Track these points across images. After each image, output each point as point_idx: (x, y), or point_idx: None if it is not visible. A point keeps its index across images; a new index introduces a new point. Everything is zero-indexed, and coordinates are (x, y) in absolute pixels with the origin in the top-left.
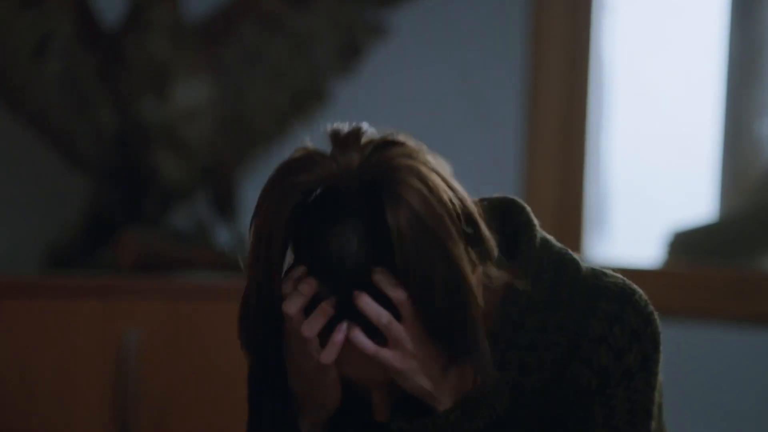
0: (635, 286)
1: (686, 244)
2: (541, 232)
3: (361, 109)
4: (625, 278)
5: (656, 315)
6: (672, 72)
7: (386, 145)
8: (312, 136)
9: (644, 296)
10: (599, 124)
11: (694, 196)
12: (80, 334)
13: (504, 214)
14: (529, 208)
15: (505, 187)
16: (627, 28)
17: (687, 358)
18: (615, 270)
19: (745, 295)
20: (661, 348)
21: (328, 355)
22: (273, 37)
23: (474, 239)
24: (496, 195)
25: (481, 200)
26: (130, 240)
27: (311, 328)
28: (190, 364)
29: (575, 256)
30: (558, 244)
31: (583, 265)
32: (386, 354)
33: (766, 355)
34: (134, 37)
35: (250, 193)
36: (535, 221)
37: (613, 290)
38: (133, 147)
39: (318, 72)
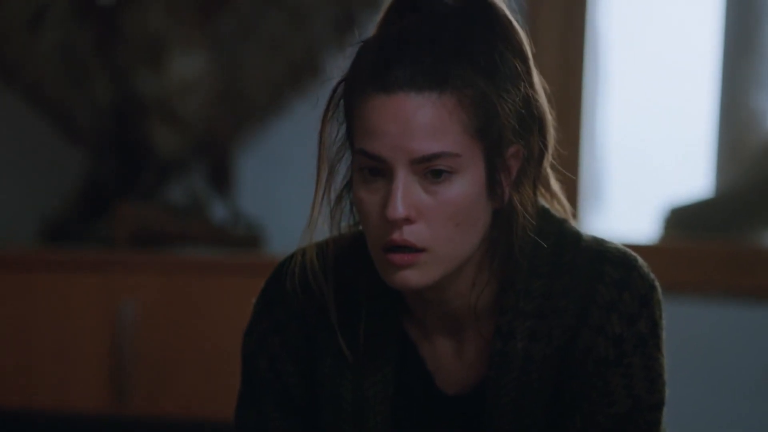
0: (635, 254)
1: (683, 219)
2: (540, 202)
3: None
4: (623, 246)
5: (657, 281)
6: (668, 45)
7: None
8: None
9: (644, 263)
10: (595, 99)
11: (690, 171)
12: (77, 307)
13: None
14: None
15: None
16: (623, 1)
17: (684, 333)
18: None
19: (741, 270)
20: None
21: None
22: (269, 10)
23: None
24: None
25: None
26: (126, 213)
27: None
28: (185, 338)
29: (575, 225)
30: (557, 215)
31: (583, 233)
32: None
33: (763, 329)
34: (130, 9)
35: (245, 166)
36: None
37: (618, 255)
38: (129, 120)
39: (314, 45)
